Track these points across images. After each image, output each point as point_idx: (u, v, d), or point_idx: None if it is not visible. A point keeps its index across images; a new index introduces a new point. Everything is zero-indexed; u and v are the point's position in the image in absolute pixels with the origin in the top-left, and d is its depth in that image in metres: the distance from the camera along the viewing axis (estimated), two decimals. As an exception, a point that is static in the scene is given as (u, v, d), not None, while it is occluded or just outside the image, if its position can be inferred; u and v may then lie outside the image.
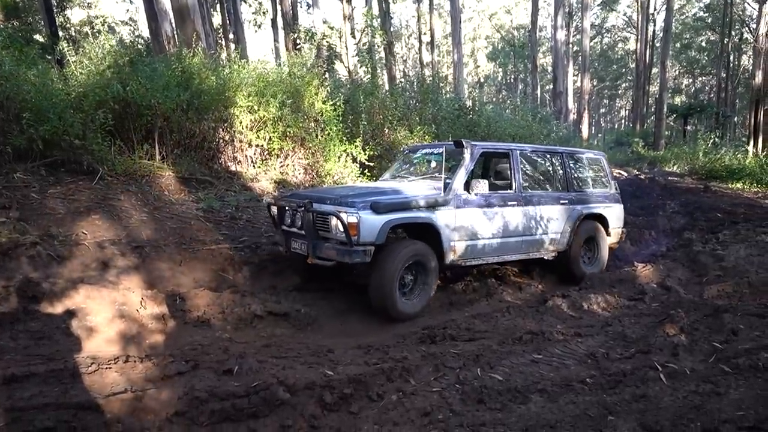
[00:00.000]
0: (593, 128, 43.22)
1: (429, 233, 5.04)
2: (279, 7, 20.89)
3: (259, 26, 25.99)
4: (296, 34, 16.69)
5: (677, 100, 42.52)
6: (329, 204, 4.77)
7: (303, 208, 4.83)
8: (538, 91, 30.86)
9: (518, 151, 6.00)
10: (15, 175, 5.65)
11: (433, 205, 4.99)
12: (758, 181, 14.18)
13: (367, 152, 8.89)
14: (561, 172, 6.46)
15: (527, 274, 6.71)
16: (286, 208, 5.28)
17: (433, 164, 6.07)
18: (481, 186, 5.33)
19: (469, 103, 13.78)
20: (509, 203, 5.69)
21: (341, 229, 4.55)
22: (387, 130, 9.73)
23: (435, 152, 6.19)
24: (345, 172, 8.75)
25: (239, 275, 5.58)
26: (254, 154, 8.20)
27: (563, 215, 6.25)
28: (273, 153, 8.26)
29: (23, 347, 3.57)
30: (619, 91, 52.99)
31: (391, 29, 23.96)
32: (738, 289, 5.18)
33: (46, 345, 3.65)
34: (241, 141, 7.95)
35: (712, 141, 18.61)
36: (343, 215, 4.50)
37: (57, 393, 2.85)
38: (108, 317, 4.08)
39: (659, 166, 18.99)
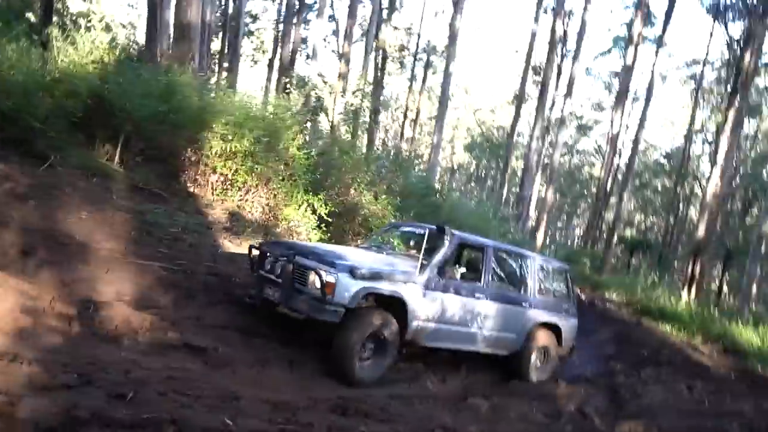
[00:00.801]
0: (548, 238, 44.82)
1: (396, 307, 5.14)
2: (279, 51, 21.43)
3: (256, 63, 26.51)
4: (289, 79, 17.03)
5: (628, 232, 44.82)
6: (311, 259, 4.97)
7: (285, 258, 5.01)
8: (505, 190, 32.04)
9: (492, 248, 6.27)
10: (-41, 141, 5.37)
11: (406, 282, 5.18)
12: (686, 327, 14.74)
13: (328, 207, 8.89)
14: (527, 276, 6.61)
15: (455, 366, 6.63)
16: (268, 254, 5.41)
17: (411, 243, 6.38)
18: (455, 273, 5.65)
19: (438, 185, 14.13)
20: (476, 295, 5.87)
21: (318, 285, 4.71)
22: (353, 191, 9.80)
23: (416, 232, 6.50)
24: (302, 221, 8.68)
25: (166, 297, 5.30)
26: (216, 181, 8.08)
27: (522, 317, 6.39)
28: (235, 185, 8.16)
29: None
30: (578, 211, 55.54)
31: (381, 97, 24.78)
32: (648, 431, 5.26)
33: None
34: (206, 165, 7.84)
35: (651, 281, 19.49)
36: (323, 273, 4.69)
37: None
38: (9, 308, 3.78)
39: (601, 290, 19.63)
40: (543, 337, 6.68)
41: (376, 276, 4.97)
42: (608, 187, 30.44)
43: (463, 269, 6.02)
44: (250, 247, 5.80)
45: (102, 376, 3.26)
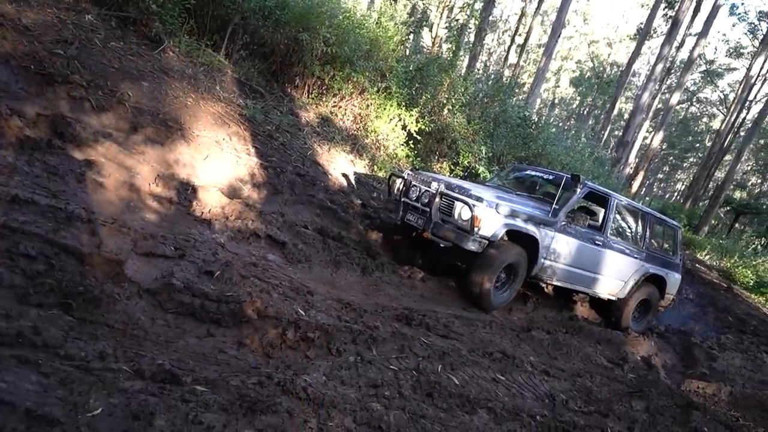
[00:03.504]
0: (644, 189, 42.14)
1: (528, 244, 5.56)
2: (391, -46, 20.43)
3: (366, -34, 25.53)
4: (397, -13, 16.35)
5: (738, 194, 41.08)
6: (457, 192, 5.35)
7: (436, 189, 5.46)
8: (606, 132, 30.01)
9: (616, 201, 6.57)
10: (87, 17, 5.68)
11: (540, 223, 5.60)
12: (783, 301, 13.70)
13: (419, 125, 8.77)
14: (642, 230, 6.97)
15: (523, 300, 6.63)
16: (414, 183, 5.84)
17: (538, 186, 6.83)
18: (583, 220, 5.91)
19: (535, 117, 13.45)
20: (596, 242, 6.29)
21: (465, 217, 5.18)
22: (446, 112, 9.57)
23: (544, 177, 6.86)
24: (391, 135, 8.66)
25: (255, 190, 5.62)
26: (313, 84, 8.14)
27: (632, 268, 6.77)
28: (331, 90, 8.20)
29: (34, 175, 3.66)
30: (685, 164, 51.36)
31: (490, 17, 23.34)
32: (718, 393, 5.07)
33: (56, 182, 3.73)
34: (305, 67, 7.88)
35: (753, 248, 18.01)
36: (472, 205, 5.10)
37: (49, 229, 2.93)
38: (121, 180, 4.16)
39: (693, 250, 18.49)
40: (648, 289, 7.01)
41: (517, 214, 5.38)
42: (725, 143, 27.73)
43: (587, 217, 6.20)
44: (391, 174, 6.26)
45: (194, 253, 3.56)
